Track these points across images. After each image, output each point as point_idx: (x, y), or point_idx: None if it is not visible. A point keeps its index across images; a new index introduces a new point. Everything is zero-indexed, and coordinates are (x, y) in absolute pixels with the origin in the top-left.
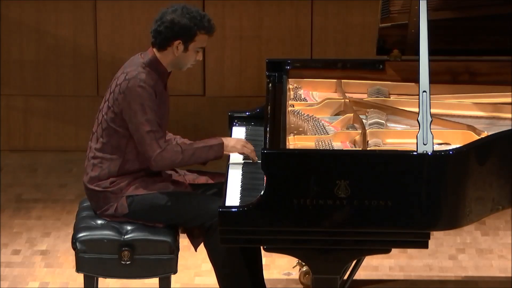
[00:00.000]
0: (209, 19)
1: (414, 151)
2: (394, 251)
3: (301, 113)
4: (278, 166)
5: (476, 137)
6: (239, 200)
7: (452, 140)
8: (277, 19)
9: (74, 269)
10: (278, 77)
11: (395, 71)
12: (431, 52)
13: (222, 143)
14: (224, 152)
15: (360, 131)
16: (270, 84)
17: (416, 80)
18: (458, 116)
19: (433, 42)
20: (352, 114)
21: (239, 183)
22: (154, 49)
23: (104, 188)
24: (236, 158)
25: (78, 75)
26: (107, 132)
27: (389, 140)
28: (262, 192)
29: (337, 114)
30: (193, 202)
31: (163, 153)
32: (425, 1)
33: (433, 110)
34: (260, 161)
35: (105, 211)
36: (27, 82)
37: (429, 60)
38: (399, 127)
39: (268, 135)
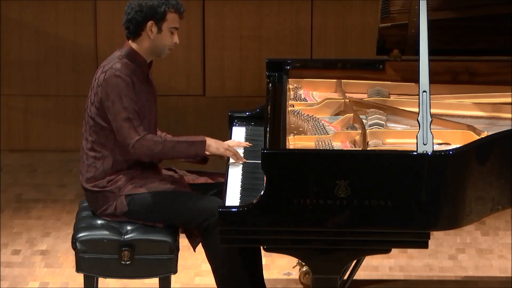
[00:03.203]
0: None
1: (414, 151)
2: (394, 251)
3: (301, 113)
4: (278, 166)
5: (476, 137)
6: (239, 200)
7: (452, 140)
8: (277, 19)
9: (74, 269)
10: (278, 77)
11: (395, 71)
12: (431, 52)
13: (205, 142)
14: (206, 152)
15: (360, 131)
16: (270, 84)
17: (416, 80)
18: (458, 116)
19: (433, 42)
20: (352, 114)
21: (239, 183)
22: (130, 41)
23: (102, 188)
24: None
25: (78, 75)
26: (94, 129)
27: (389, 140)
28: (262, 192)
29: (337, 114)
30: (192, 201)
31: (141, 140)
32: (425, 1)
33: (433, 110)
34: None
35: (104, 211)
36: (27, 82)
37: (429, 60)
38: (399, 127)
39: (268, 135)
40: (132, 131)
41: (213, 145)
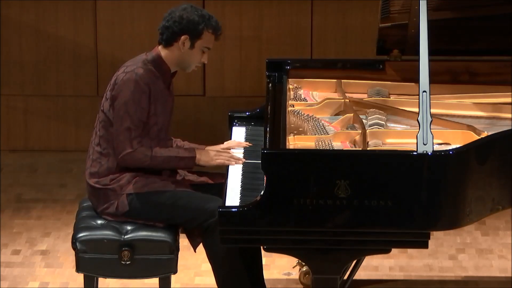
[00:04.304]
0: (217, 21)
1: (414, 151)
2: (394, 251)
3: (301, 113)
4: (278, 166)
5: (476, 137)
6: (239, 200)
7: (452, 140)
8: (277, 19)
9: (74, 269)
10: (278, 77)
11: (395, 71)
12: (431, 52)
13: (194, 157)
14: (197, 164)
15: (360, 131)
16: (270, 84)
17: (416, 80)
18: (458, 116)
19: (433, 42)
20: (352, 114)
21: (239, 183)
22: (160, 47)
23: (104, 186)
24: None
25: (78, 75)
26: (103, 124)
27: (389, 140)
28: (262, 192)
29: (337, 114)
30: (193, 201)
31: (133, 153)
32: (425, 1)
33: (433, 110)
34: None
35: (105, 209)
36: (27, 82)
37: (429, 60)
38: (399, 127)
39: (268, 135)
40: (127, 143)
41: (203, 159)
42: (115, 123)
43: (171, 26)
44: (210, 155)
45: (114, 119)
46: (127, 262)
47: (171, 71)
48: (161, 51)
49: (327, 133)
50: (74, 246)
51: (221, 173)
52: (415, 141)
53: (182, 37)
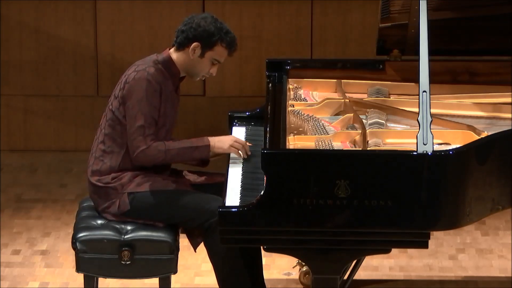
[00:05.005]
0: (234, 37)
1: (414, 151)
2: (394, 251)
3: (301, 113)
4: (278, 166)
5: (476, 137)
6: (239, 200)
7: (452, 140)
8: (277, 19)
9: (74, 269)
10: (278, 77)
11: (395, 71)
12: (431, 52)
13: (209, 145)
14: (211, 153)
15: (360, 131)
16: (270, 84)
17: (416, 80)
18: (458, 116)
19: (433, 42)
20: (352, 114)
21: (239, 183)
22: (172, 49)
23: (106, 184)
24: (236, 157)
25: (78, 75)
26: (110, 123)
27: (389, 140)
28: (262, 192)
29: (337, 114)
30: (194, 201)
31: (146, 150)
32: (425, 1)
33: (433, 110)
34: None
35: (107, 208)
36: (27, 82)
37: (429, 60)
38: (399, 127)
39: (268, 135)
40: (141, 140)
41: (217, 145)
42: (128, 122)
43: (186, 31)
44: (226, 141)
45: (127, 118)
46: (127, 262)
47: (180, 74)
48: (173, 53)
49: (327, 133)
50: (74, 246)
51: (221, 173)
52: (415, 141)
53: (194, 44)
